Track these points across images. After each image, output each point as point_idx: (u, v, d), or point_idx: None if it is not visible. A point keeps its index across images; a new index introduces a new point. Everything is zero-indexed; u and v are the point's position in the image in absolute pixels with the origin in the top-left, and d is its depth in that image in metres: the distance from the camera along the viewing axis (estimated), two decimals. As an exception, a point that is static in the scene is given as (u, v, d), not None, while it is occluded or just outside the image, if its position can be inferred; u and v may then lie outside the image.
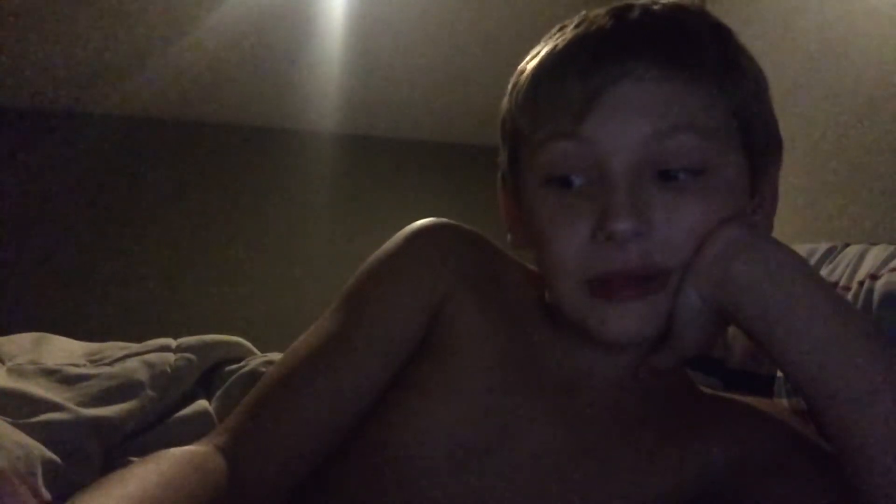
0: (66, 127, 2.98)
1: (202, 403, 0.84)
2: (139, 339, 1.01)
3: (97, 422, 0.74)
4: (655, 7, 0.52)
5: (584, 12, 0.54)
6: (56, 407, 0.73)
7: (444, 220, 0.61)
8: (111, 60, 2.63)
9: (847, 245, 0.79)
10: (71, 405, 0.74)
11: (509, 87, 0.57)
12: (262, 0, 2.29)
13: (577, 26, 0.52)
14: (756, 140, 0.53)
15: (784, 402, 0.69)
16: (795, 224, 1.20)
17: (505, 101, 0.57)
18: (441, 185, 3.27)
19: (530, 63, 0.53)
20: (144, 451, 0.52)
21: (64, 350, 0.95)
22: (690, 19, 0.51)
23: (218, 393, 0.86)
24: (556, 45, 0.52)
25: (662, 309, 0.49)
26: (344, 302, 0.59)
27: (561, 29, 0.54)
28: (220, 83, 2.81)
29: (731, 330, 0.79)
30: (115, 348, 0.94)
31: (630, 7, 0.52)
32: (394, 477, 0.53)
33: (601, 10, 0.52)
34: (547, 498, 0.53)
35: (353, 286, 0.59)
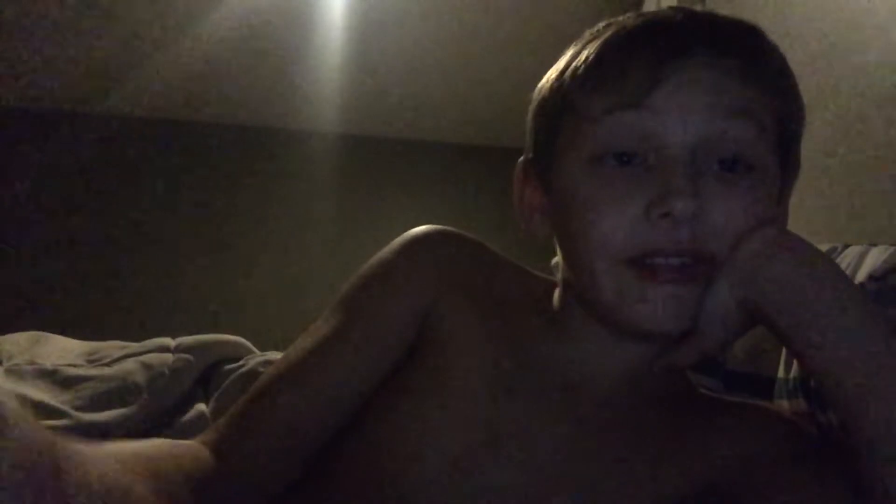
0: (66, 127, 2.98)
1: (200, 408, 0.84)
2: (138, 338, 1.01)
3: (94, 427, 0.74)
4: (716, 12, 0.54)
5: (633, 12, 0.55)
6: (54, 411, 0.73)
7: (440, 227, 0.61)
8: (111, 60, 2.64)
9: (847, 246, 0.79)
10: (69, 409, 0.74)
11: (558, 68, 0.56)
12: (262, 0, 2.29)
13: (640, 16, 0.53)
14: (790, 156, 0.54)
15: (784, 403, 0.69)
16: (795, 225, 1.19)
17: (549, 83, 0.56)
18: (441, 186, 3.27)
19: (591, 44, 0.53)
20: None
21: (62, 349, 0.94)
22: (756, 28, 0.53)
23: (216, 393, 0.86)
24: (622, 28, 0.52)
25: (697, 301, 0.49)
26: (337, 306, 0.59)
27: (609, 24, 0.54)
28: (219, 83, 2.82)
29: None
30: (113, 348, 0.94)
31: (696, 10, 0.54)
32: (389, 484, 0.53)
33: (663, 9, 0.54)
34: (547, 501, 0.53)
35: (347, 291, 0.60)
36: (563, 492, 0.53)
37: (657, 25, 0.51)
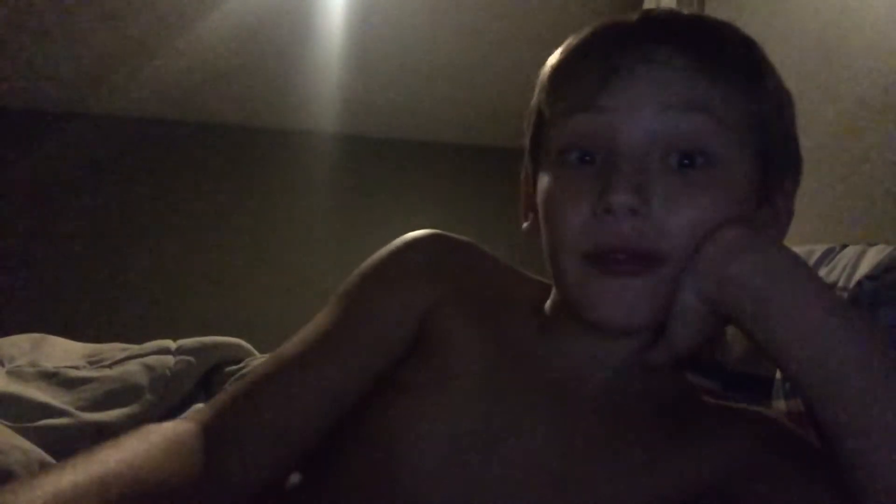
0: (66, 127, 2.99)
1: (198, 407, 0.84)
2: (139, 340, 1.01)
3: (97, 427, 0.74)
4: (683, 12, 0.55)
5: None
6: (57, 412, 0.73)
7: (434, 230, 0.62)
8: (111, 61, 2.64)
9: (845, 246, 0.79)
10: (71, 409, 0.75)
11: (540, 74, 0.58)
12: (261, 0, 2.29)
13: (605, 19, 0.54)
14: (772, 151, 0.53)
15: (782, 403, 0.69)
16: (794, 225, 1.19)
17: (536, 88, 0.58)
18: (440, 186, 3.27)
19: (562, 50, 0.55)
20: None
21: (63, 351, 0.95)
22: (718, 25, 0.53)
23: (217, 394, 0.87)
24: (581, 34, 0.54)
25: (658, 295, 0.49)
26: (335, 302, 0.60)
27: (584, 29, 0.56)
28: (219, 84, 2.82)
29: (731, 332, 0.79)
30: (114, 350, 0.95)
31: (656, 10, 0.55)
32: (385, 481, 0.54)
33: (661, 7, 0.54)
34: (540, 500, 0.53)
35: (345, 288, 0.61)
36: (556, 490, 0.54)
37: (612, 28, 0.52)
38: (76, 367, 0.85)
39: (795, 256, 0.48)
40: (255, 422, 0.53)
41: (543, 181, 0.54)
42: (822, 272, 0.76)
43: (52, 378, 0.82)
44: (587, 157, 0.50)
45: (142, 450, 0.45)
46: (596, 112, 0.49)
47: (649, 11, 0.53)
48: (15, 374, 0.82)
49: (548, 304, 0.60)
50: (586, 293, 0.50)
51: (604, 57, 0.50)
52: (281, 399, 0.54)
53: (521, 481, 0.54)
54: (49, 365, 0.85)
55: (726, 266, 0.47)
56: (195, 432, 0.50)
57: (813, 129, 1.14)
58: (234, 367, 0.91)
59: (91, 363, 0.88)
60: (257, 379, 0.56)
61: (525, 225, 0.61)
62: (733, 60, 0.51)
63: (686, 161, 0.49)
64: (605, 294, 0.49)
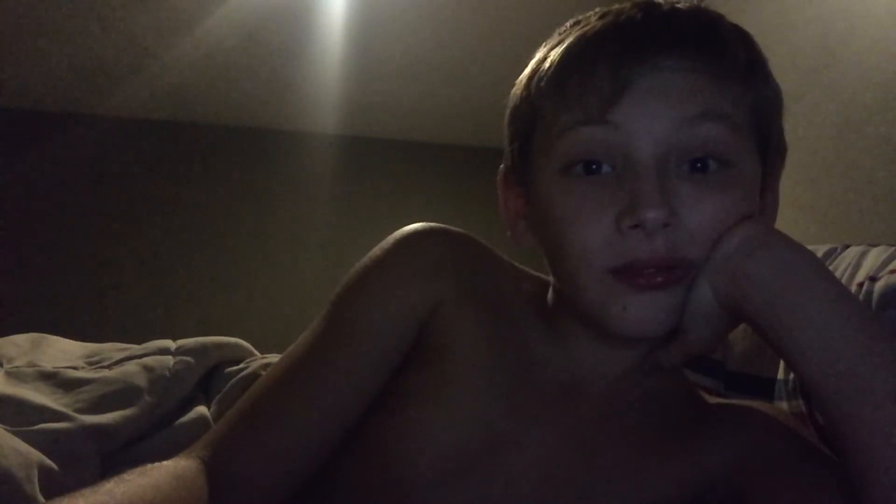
0: (65, 128, 2.98)
1: (200, 410, 0.83)
2: (139, 340, 1.01)
3: (96, 429, 0.73)
4: (681, 6, 0.53)
5: (599, 8, 0.54)
6: (55, 415, 0.72)
7: (432, 224, 0.60)
8: (111, 62, 2.64)
9: (847, 246, 0.79)
10: (70, 412, 0.74)
11: (526, 75, 0.56)
12: (261, 0, 2.29)
13: (602, 17, 0.52)
14: (770, 144, 0.53)
15: (784, 404, 0.69)
16: (795, 225, 1.20)
17: (519, 90, 0.56)
18: (440, 187, 3.27)
19: (554, 50, 0.53)
20: (142, 457, 0.52)
21: (62, 351, 0.94)
22: (718, 20, 0.52)
23: (217, 396, 0.86)
24: (584, 34, 0.52)
25: (681, 301, 0.49)
26: (331, 311, 0.58)
27: (577, 23, 0.54)
28: (219, 84, 2.82)
29: (732, 332, 0.79)
30: (114, 350, 0.94)
31: (657, 3, 0.53)
32: (390, 487, 0.53)
33: (626, 5, 0.53)
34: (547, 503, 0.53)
35: (340, 294, 0.58)
36: (562, 495, 0.53)
37: (617, 31, 0.51)
38: (75, 368, 0.85)
39: (810, 254, 0.48)
40: (255, 453, 0.52)
41: (547, 193, 0.52)
42: (824, 273, 0.76)
43: (51, 379, 0.81)
44: (593, 166, 0.50)
45: (148, 485, 0.45)
46: (608, 126, 0.49)
47: (653, 9, 0.52)
48: (14, 374, 0.82)
49: (550, 302, 0.59)
50: (611, 310, 0.49)
51: (613, 66, 0.48)
52: (280, 424, 0.53)
53: (527, 488, 0.53)
54: (48, 365, 0.85)
55: (741, 264, 0.47)
56: (197, 468, 0.50)
57: (813, 129, 1.14)
58: (234, 368, 0.90)
59: (90, 363, 0.88)
60: (255, 403, 0.54)
61: (511, 234, 0.60)
62: (738, 59, 0.50)
63: (699, 165, 0.49)
64: (632, 309, 0.49)
